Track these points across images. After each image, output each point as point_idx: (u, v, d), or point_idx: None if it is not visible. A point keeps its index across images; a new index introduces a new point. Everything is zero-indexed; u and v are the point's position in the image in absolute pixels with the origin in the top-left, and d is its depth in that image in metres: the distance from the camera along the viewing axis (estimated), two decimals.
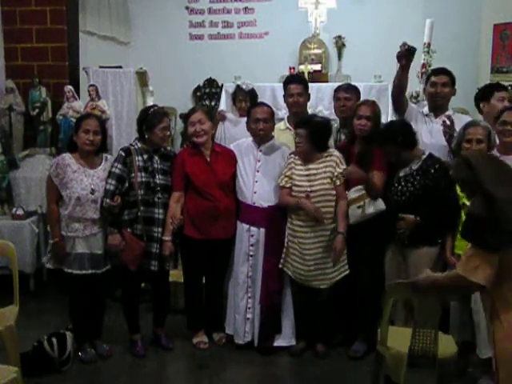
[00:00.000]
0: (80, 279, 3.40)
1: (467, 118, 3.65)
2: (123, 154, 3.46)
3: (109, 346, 3.61)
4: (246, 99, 4.42)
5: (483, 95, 3.79)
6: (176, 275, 3.93)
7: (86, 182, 3.36)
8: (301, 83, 3.93)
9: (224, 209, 3.52)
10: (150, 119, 3.47)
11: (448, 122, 3.42)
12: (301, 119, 3.57)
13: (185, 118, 3.76)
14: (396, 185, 3.34)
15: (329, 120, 3.64)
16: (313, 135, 3.39)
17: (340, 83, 4.31)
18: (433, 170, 3.26)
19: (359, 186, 3.42)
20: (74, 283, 3.43)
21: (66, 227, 3.38)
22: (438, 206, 3.21)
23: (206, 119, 3.55)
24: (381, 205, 3.34)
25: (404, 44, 3.51)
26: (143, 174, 3.45)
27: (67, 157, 3.42)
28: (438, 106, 3.69)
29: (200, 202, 3.51)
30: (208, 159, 3.56)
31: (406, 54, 3.50)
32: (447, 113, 3.64)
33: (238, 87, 4.50)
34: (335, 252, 3.37)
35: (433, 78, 3.69)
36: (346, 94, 3.82)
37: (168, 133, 3.55)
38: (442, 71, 3.72)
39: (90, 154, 3.42)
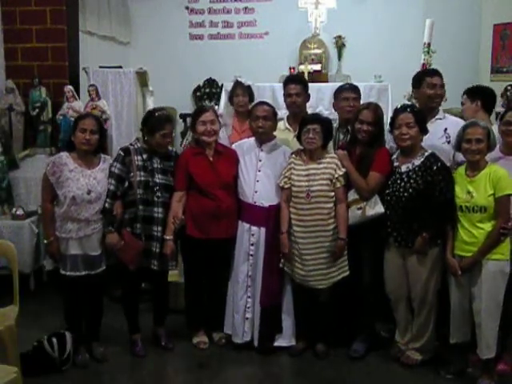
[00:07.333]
0: (74, 281, 3.38)
1: (460, 121, 3.57)
2: (122, 153, 3.47)
3: (105, 349, 3.57)
4: (245, 94, 4.39)
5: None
6: (176, 275, 3.93)
7: (83, 181, 3.33)
8: (299, 83, 3.92)
9: (226, 209, 3.51)
10: (151, 123, 3.45)
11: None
12: (311, 116, 3.57)
13: (193, 115, 3.71)
14: (399, 181, 3.33)
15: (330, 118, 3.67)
16: (326, 131, 3.43)
17: (340, 83, 4.30)
18: (435, 167, 3.24)
19: None
20: (69, 285, 3.41)
21: (59, 228, 3.36)
22: (437, 204, 3.20)
23: (217, 120, 3.57)
24: (380, 208, 3.33)
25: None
26: (142, 173, 3.44)
27: (64, 156, 3.40)
28: (433, 107, 3.59)
29: (202, 201, 3.50)
30: (211, 159, 3.57)
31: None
32: (439, 115, 3.59)
33: (238, 82, 4.49)
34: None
35: (429, 80, 3.58)
36: (354, 94, 3.79)
37: (169, 140, 3.51)
38: (436, 72, 3.65)
39: (87, 153, 3.40)
